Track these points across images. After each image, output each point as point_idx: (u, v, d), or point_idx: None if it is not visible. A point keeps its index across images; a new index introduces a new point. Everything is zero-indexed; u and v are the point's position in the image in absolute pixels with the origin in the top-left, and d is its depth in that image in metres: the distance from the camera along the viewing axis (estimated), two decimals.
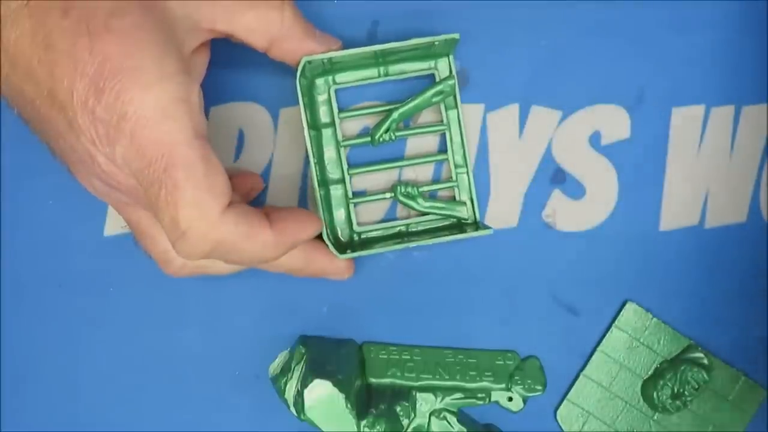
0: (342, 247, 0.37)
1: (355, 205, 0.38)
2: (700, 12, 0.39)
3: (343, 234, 0.38)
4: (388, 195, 0.38)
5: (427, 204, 0.38)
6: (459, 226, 0.38)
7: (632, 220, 0.39)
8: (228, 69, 0.37)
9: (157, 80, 0.27)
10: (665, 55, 0.39)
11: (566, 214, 0.39)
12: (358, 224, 0.38)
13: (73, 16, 0.27)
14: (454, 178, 0.38)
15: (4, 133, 0.37)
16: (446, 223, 0.38)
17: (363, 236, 0.38)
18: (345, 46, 0.35)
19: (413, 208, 0.38)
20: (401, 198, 0.38)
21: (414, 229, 0.38)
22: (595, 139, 0.39)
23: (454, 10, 0.38)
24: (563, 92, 0.39)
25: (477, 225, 0.38)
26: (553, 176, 0.39)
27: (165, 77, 0.27)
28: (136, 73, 0.27)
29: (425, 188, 0.38)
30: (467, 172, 0.38)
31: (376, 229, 0.38)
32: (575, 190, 0.39)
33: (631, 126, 0.39)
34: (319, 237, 0.36)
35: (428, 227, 0.38)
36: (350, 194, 0.37)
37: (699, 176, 0.39)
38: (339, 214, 0.38)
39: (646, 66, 0.39)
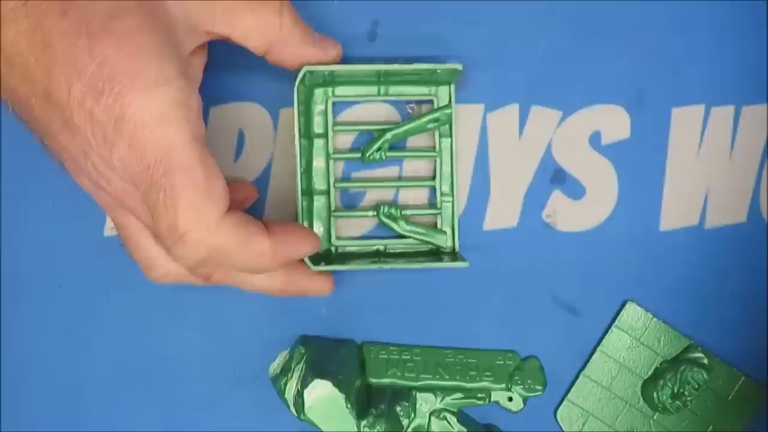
0: (317, 259, 0.37)
1: (335, 219, 0.37)
2: (700, 12, 0.39)
3: (320, 246, 0.37)
4: (370, 213, 0.38)
5: (408, 227, 0.37)
6: (436, 253, 0.38)
7: (632, 220, 0.39)
8: (229, 69, 0.37)
9: (156, 83, 0.27)
10: (665, 55, 0.39)
11: (566, 214, 0.39)
12: (337, 238, 0.38)
13: (72, 17, 0.27)
14: (438, 205, 0.38)
15: (4, 133, 0.37)
16: (424, 249, 0.38)
17: (340, 250, 0.38)
18: (345, 46, 0.35)
19: (394, 230, 0.38)
20: (383, 218, 0.37)
21: (391, 251, 0.38)
22: (595, 139, 0.39)
23: (453, 10, 0.38)
24: (563, 92, 0.39)
25: (455, 255, 0.37)
26: (553, 176, 0.39)
27: (164, 80, 0.27)
28: (135, 76, 0.27)
29: (408, 212, 0.38)
30: (452, 202, 0.38)
31: (353, 245, 0.38)
32: (575, 190, 0.39)
33: (631, 126, 0.39)
34: None
35: (406, 251, 0.38)
36: (333, 207, 0.37)
37: (699, 176, 0.39)
38: (318, 226, 0.37)
39: (646, 66, 0.39)
